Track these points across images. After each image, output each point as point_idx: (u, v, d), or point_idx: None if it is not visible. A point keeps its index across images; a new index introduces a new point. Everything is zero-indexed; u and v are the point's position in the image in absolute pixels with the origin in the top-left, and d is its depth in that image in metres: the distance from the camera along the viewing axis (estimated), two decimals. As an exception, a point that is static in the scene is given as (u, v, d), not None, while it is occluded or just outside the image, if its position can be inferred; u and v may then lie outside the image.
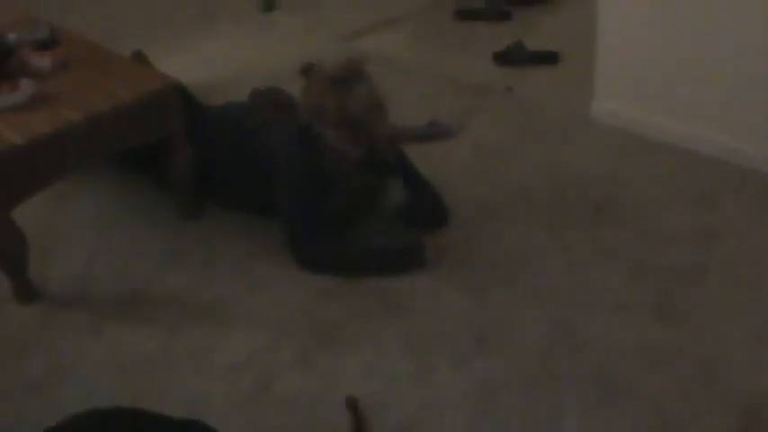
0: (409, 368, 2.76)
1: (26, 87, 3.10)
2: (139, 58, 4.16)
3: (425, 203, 3.38)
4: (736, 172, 3.62)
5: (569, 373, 2.65)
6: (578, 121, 4.14)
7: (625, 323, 2.89)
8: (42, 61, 3.32)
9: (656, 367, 2.71)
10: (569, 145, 3.95)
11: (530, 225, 3.40)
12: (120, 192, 3.72)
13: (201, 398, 2.66)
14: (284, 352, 2.82)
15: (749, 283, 3.04)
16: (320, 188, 3.23)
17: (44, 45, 3.48)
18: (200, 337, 2.91)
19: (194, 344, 2.88)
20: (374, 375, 2.73)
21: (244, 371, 2.75)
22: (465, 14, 5.45)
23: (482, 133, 4.06)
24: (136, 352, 2.86)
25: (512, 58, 4.77)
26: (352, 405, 2.56)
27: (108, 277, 3.23)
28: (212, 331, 2.94)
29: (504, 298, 3.03)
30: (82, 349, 2.87)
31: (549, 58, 4.78)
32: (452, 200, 3.48)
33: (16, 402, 2.69)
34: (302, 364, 2.78)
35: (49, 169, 3.01)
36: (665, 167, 3.73)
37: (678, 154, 3.79)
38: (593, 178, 3.68)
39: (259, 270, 3.21)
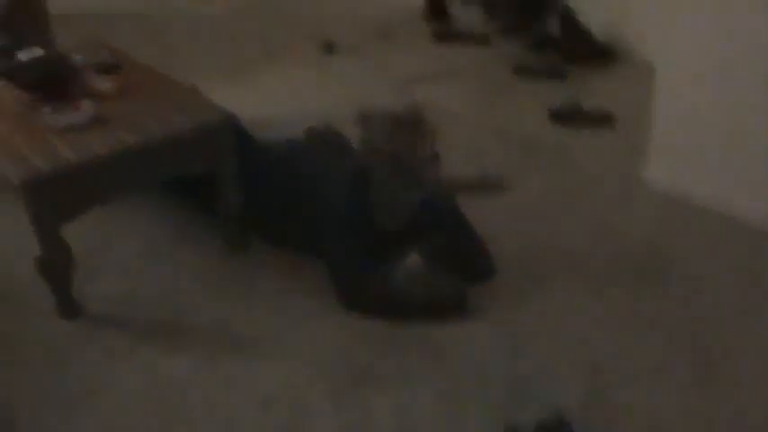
0: (440, 413, 2.73)
1: (87, 109, 3.17)
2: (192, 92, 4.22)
3: (473, 252, 3.37)
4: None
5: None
6: (630, 185, 4.11)
7: (663, 391, 2.85)
8: (104, 84, 3.39)
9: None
10: (620, 209, 3.92)
11: (574, 286, 3.37)
12: (170, 219, 3.76)
13: (231, 428, 2.65)
14: (318, 389, 2.81)
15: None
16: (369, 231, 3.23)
17: (107, 69, 3.55)
18: (234, 368, 2.91)
19: (228, 374, 2.88)
20: (405, 418, 2.71)
21: (276, 405, 2.74)
22: (523, 70, 5.47)
23: (532, 190, 4.04)
24: (169, 377, 2.86)
25: (568, 116, 4.76)
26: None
27: (149, 301, 3.25)
28: (248, 363, 2.94)
29: (542, 355, 3.00)
30: (115, 370, 2.88)
31: (605, 120, 4.77)
32: (497, 254, 3.46)
33: (43, 417, 2.70)
34: (335, 403, 2.76)
35: (102, 189, 3.05)
36: (716, 238, 3.69)
37: (730, 225, 3.75)
38: (642, 244, 3.64)
39: (301, 307, 3.21)
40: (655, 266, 3.48)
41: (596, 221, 3.82)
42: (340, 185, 3.27)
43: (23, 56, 3.59)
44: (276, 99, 5.00)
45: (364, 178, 3.21)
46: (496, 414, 2.72)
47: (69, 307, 3.12)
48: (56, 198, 2.92)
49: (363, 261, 3.20)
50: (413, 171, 3.16)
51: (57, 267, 3.03)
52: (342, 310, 3.17)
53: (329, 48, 5.80)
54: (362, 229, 3.23)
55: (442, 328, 3.12)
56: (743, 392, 2.84)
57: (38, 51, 3.64)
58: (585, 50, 5.65)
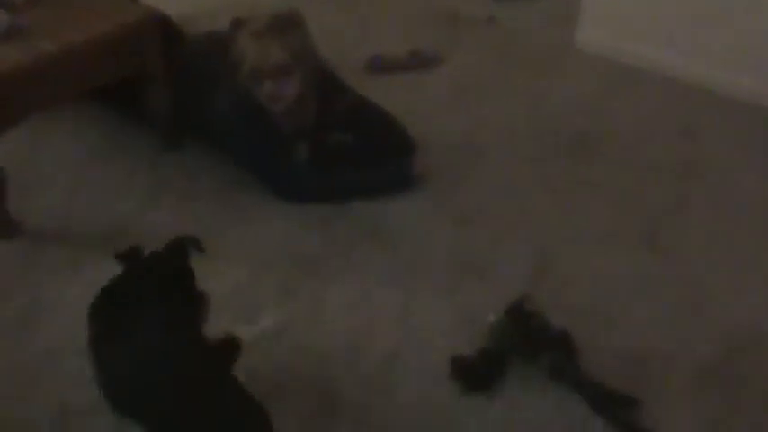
0: (394, 298, 2.75)
1: (1, 19, 3.03)
2: None
3: (386, 135, 3.35)
4: (720, 103, 3.62)
5: (554, 303, 2.65)
6: (563, 51, 4.10)
7: (610, 254, 2.90)
8: (17, -7, 3.25)
9: (642, 297, 2.72)
10: (553, 76, 3.92)
11: (513, 156, 3.38)
12: (99, 129, 3.66)
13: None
14: (268, 285, 2.81)
15: (732, 214, 3.05)
16: (278, 142, 3.22)
17: (17, -24, 3.40)
18: (183, 272, 2.88)
19: (177, 278, 2.86)
20: (359, 306, 2.73)
21: (227, 305, 2.73)
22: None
23: (465, 64, 4.02)
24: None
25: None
26: None
27: (88, 213, 3.19)
28: (195, 266, 2.91)
29: (488, 228, 3.02)
30: (62, 285, 2.84)
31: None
32: (434, 131, 3.46)
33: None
34: (285, 297, 2.77)
35: (25, 102, 2.95)
36: (650, 98, 3.72)
37: (663, 84, 3.77)
38: (577, 110, 3.66)
39: (240, 202, 3.19)
40: (592, 131, 3.50)
41: (532, 90, 3.82)
42: (226, 105, 3.21)
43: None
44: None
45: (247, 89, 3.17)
46: (450, 295, 2.75)
47: (7, 226, 3.05)
48: (-21, 115, 2.83)
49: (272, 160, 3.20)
50: (263, 82, 3.12)
51: (-11, 186, 2.96)
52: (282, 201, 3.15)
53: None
54: (264, 138, 3.20)
55: (385, 209, 3.13)
56: (686, 251, 2.90)
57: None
58: None
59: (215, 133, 3.29)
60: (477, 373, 2.44)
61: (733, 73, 3.61)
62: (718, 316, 2.64)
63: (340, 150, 3.32)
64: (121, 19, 3.16)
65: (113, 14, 3.19)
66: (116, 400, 2.16)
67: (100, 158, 3.48)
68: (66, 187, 3.31)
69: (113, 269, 2.29)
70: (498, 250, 2.93)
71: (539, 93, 3.78)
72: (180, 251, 2.31)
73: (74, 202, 3.24)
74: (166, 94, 3.33)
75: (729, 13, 3.51)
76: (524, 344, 2.47)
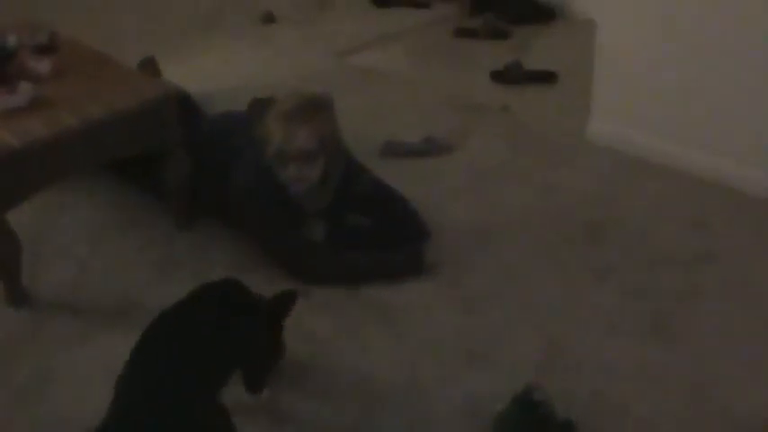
0: (398, 381, 2.75)
1: (24, 91, 3.09)
2: (151, 65, 4.18)
3: (401, 220, 3.39)
4: (731, 196, 3.64)
5: (562, 392, 2.64)
6: (575, 142, 4.14)
7: (620, 342, 2.89)
8: (41, 66, 3.31)
9: (650, 388, 2.70)
10: (565, 166, 3.95)
11: (524, 245, 3.39)
12: (115, 201, 3.70)
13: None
14: (280, 365, 2.80)
15: (743, 306, 3.04)
16: (292, 217, 3.25)
17: (43, 50, 3.47)
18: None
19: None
20: (363, 389, 2.72)
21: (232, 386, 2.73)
22: (464, 32, 5.46)
23: (478, 152, 4.06)
24: (124, 359, 2.83)
25: (510, 77, 4.77)
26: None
27: (99, 285, 3.21)
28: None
29: (497, 315, 3.02)
30: (70, 356, 2.84)
31: (547, 78, 4.79)
32: (447, 218, 3.49)
33: (2, 409, 2.67)
34: (294, 380, 2.76)
35: (45, 173, 2.99)
36: (661, 190, 3.74)
37: (674, 177, 3.80)
38: (589, 200, 3.68)
39: (252, 281, 3.18)
40: (601, 221, 3.52)
41: (542, 179, 3.84)
42: (242, 176, 3.24)
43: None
44: (219, 73, 4.94)
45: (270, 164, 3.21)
46: (456, 382, 2.75)
47: (18, 295, 3.07)
48: (-1, 184, 2.87)
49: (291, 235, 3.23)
50: (291, 163, 3.16)
51: (4, 255, 2.98)
52: (297, 282, 3.16)
53: (269, 18, 5.74)
54: (278, 212, 3.22)
55: (395, 292, 3.14)
56: (697, 341, 2.89)
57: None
58: (526, 9, 5.66)
59: (232, 208, 3.30)
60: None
61: (746, 167, 3.64)
62: (730, 407, 2.61)
63: (356, 233, 3.35)
64: (142, 94, 3.22)
65: (134, 89, 3.25)
66: None
67: (114, 231, 3.50)
68: (80, 258, 3.33)
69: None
70: (507, 337, 2.92)
71: (551, 181, 3.81)
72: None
73: (86, 273, 3.26)
74: (183, 170, 3.37)
75: (741, 106, 3.55)
76: (530, 434, 2.46)
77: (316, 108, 3.19)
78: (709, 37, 3.54)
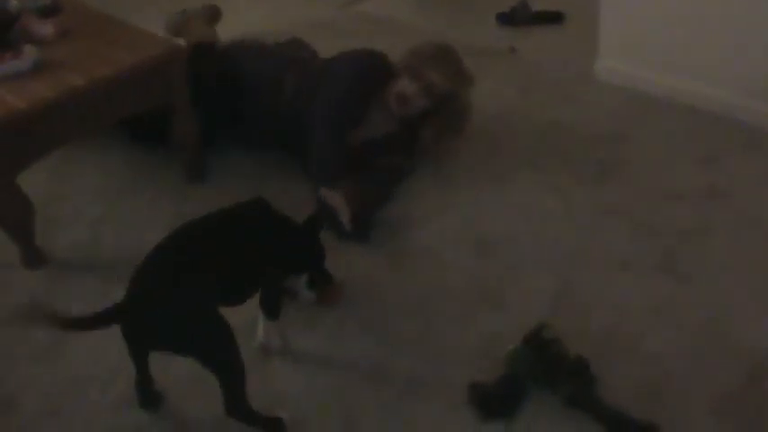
0: (411, 324, 2.78)
1: (29, 54, 3.10)
2: (211, 11, 4.36)
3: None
4: (741, 130, 3.61)
5: (575, 330, 2.66)
6: (582, 80, 4.13)
7: (629, 280, 2.90)
8: (45, 28, 3.32)
9: (661, 324, 2.72)
10: (573, 104, 3.94)
11: (533, 183, 3.40)
12: (126, 160, 3.73)
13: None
14: (290, 314, 2.83)
15: (753, 240, 3.04)
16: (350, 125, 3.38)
17: (47, 12, 3.47)
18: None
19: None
20: (376, 332, 2.76)
21: (249, 334, 2.76)
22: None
23: (486, 94, 4.04)
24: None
25: (516, 18, 4.74)
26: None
27: (114, 244, 3.25)
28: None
29: (507, 255, 3.04)
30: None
31: (554, 18, 4.75)
32: (453, 156, 3.54)
33: (22, 369, 2.72)
34: (307, 321, 2.80)
35: (53, 135, 3.02)
36: (669, 125, 3.72)
37: (682, 112, 3.78)
38: (597, 137, 3.67)
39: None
40: (612, 159, 3.52)
41: (553, 118, 3.84)
42: (354, 60, 3.46)
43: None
44: (228, 26, 4.92)
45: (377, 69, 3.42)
46: (468, 323, 2.78)
47: (34, 257, 3.11)
48: (8, 148, 2.88)
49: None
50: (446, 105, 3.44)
51: (17, 218, 3.02)
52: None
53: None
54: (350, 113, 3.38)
55: (405, 240, 3.16)
56: (708, 276, 2.90)
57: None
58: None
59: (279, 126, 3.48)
60: (494, 401, 2.44)
61: (756, 101, 3.61)
62: (739, 342, 2.62)
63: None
64: (148, 51, 3.22)
65: (140, 47, 3.26)
66: None
67: (126, 189, 3.53)
68: (92, 219, 3.36)
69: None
70: (519, 276, 2.94)
71: (560, 120, 3.80)
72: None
73: (100, 233, 3.29)
74: (192, 125, 3.39)
75: (750, 40, 3.52)
76: (542, 372, 2.48)
77: (463, 75, 3.47)
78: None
